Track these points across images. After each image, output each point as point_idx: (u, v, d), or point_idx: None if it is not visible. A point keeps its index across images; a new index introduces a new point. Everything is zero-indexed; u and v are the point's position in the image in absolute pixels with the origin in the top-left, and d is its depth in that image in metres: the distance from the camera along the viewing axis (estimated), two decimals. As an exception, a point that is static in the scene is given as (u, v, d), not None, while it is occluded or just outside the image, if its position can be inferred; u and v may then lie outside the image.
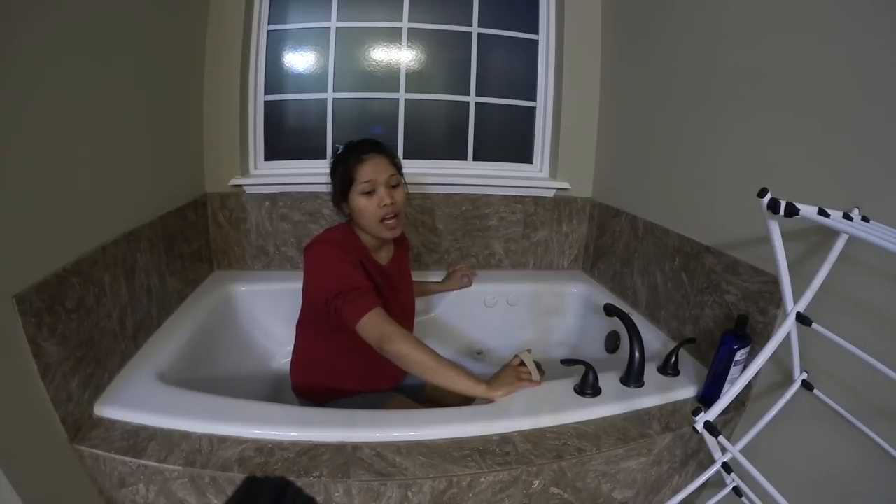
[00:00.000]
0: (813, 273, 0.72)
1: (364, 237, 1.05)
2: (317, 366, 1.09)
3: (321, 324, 1.04)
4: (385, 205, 0.98)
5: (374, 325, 0.90)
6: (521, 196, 1.63)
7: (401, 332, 0.91)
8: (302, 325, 1.12)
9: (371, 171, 0.98)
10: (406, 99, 1.59)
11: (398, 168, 1.04)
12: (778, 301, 0.88)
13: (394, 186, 1.01)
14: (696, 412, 0.62)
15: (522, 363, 0.99)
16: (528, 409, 0.91)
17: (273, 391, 1.35)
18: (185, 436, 0.82)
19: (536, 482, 0.83)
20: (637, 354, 0.98)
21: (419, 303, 1.38)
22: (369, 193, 0.98)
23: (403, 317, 1.12)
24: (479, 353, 1.60)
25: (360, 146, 1.01)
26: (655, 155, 1.31)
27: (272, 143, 1.58)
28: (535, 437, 0.86)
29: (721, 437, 0.60)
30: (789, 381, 0.83)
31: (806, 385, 0.81)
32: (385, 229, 1.00)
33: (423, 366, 0.89)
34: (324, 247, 0.98)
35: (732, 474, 0.81)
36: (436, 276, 1.57)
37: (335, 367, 1.07)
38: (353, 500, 0.78)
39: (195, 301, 1.33)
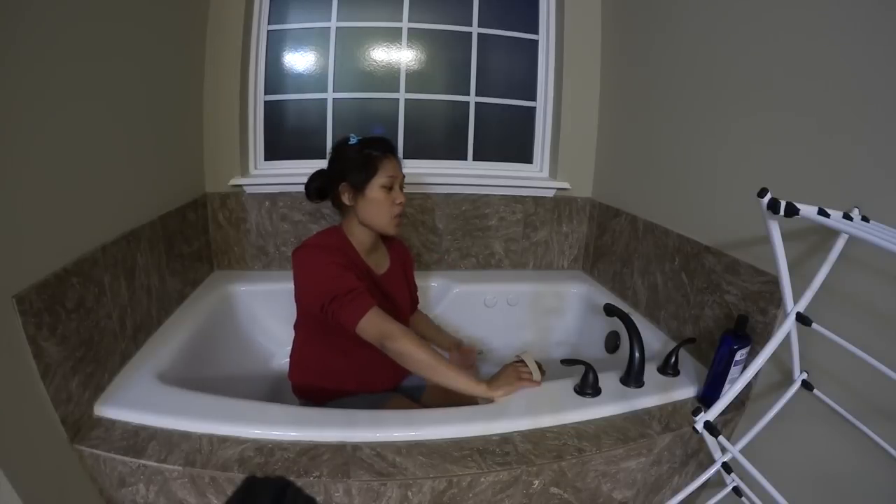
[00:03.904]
0: (813, 273, 0.72)
1: (356, 238, 1.06)
2: (314, 367, 1.09)
3: (315, 325, 1.05)
4: (399, 203, 1.04)
5: (373, 325, 0.90)
6: (521, 196, 1.63)
7: (402, 329, 0.91)
8: (298, 327, 1.12)
9: (393, 168, 1.04)
10: (406, 99, 1.59)
11: None
12: (778, 301, 0.88)
13: (402, 188, 1.07)
14: (696, 412, 0.62)
15: (523, 363, 0.99)
16: (528, 409, 0.91)
17: (273, 391, 1.35)
18: (185, 436, 0.82)
19: (536, 482, 0.83)
20: (637, 354, 0.98)
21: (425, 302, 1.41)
22: (388, 189, 1.03)
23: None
24: (479, 353, 1.60)
25: (386, 143, 1.06)
26: (655, 155, 1.31)
27: (272, 143, 1.58)
28: (535, 437, 0.86)
29: (721, 437, 0.60)
30: (789, 381, 0.83)
31: (806, 385, 0.81)
32: (393, 226, 1.05)
33: (424, 364, 0.89)
34: (312, 251, 0.99)
35: (732, 474, 0.81)
36: (436, 277, 1.58)
37: (332, 368, 1.08)
38: (353, 500, 0.78)
39: (195, 301, 1.33)
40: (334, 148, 1.09)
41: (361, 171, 1.02)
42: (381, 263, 1.14)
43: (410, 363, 0.90)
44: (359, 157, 1.02)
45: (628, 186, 1.45)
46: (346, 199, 1.04)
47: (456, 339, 1.35)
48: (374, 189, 1.01)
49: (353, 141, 1.05)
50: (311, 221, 1.54)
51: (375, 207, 1.02)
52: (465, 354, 1.30)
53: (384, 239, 1.16)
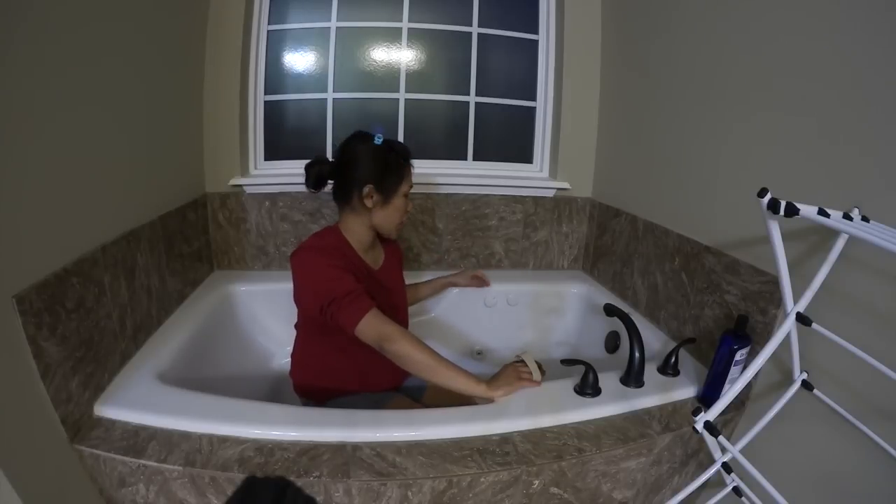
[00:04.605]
0: (813, 273, 0.72)
1: (355, 237, 1.06)
2: (315, 366, 1.10)
3: (316, 325, 1.05)
4: (408, 210, 1.08)
5: (372, 327, 0.90)
6: (521, 196, 1.63)
7: (400, 331, 0.91)
8: (299, 327, 1.12)
9: (412, 176, 1.07)
10: (406, 99, 1.59)
11: None
12: (778, 301, 0.88)
13: None
14: (696, 412, 0.62)
15: (523, 363, 0.99)
16: (528, 409, 0.91)
17: (273, 391, 1.35)
18: (185, 436, 0.82)
19: (536, 482, 0.83)
20: (637, 354, 0.98)
21: (424, 302, 1.43)
22: (406, 197, 1.06)
23: (396, 317, 1.12)
24: (478, 353, 1.60)
25: (407, 150, 1.07)
26: (655, 155, 1.31)
27: (272, 143, 1.58)
28: (535, 437, 0.86)
29: (721, 437, 0.60)
30: (789, 381, 0.83)
31: (806, 385, 0.81)
32: (397, 230, 1.10)
33: (423, 365, 0.89)
34: (310, 254, 0.98)
35: (732, 474, 0.81)
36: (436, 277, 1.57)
37: (333, 367, 1.08)
38: (353, 500, 0.78)
39: (195, 301, 1.33)
40: (357, 144, 1.03)
41: (393, 177, 1.02)
42: (377, 259, 1.15)
43: (409, 365, 0.90)
44: (390, 161, 1.01)
45: (628, 186, 1.45)
46: (368, 201, 1.01)
47: (446, 276, 1.46)
48: (398, 196, 1.04)
49: (378, 141, 1.02)
50: (310, 221, 1.54)
51: (392, 214, 1.05)
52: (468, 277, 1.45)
53: (379, 235, 1.16)
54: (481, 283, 1.49)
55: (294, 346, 1.14)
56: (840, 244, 0.71)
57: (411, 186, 1.07)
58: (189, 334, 1.16)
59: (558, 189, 1.63)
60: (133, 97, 1.04)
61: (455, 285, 1.48)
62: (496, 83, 1.64)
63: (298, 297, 1.02)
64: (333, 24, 1.52)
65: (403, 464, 0.79)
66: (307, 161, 1.07)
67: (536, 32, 1.62)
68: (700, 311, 1.11)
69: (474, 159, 1.68)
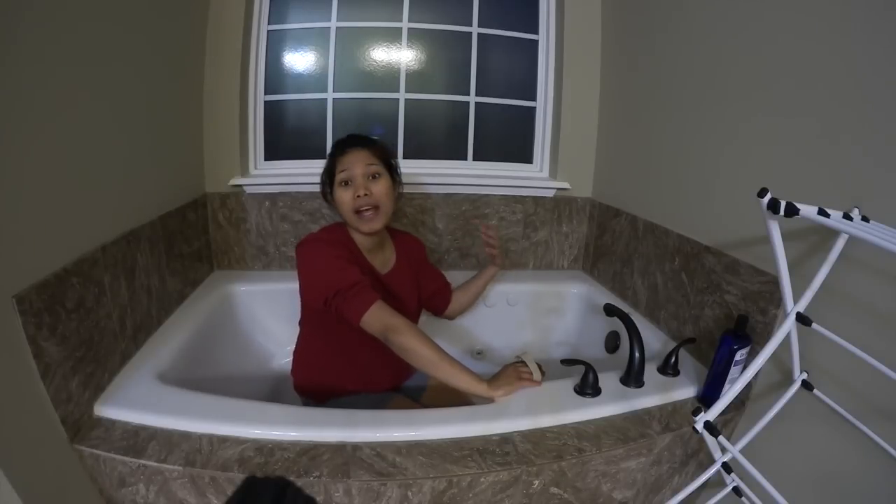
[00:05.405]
0: (813, 273, 0.72)
1: (357, 237, 1.06)
2: (315, 364, 1.10)
3: (318, 322, 1.05)
4: (359, 196, 0.99)
5: (377, 319, 0.90)
6: (521, 196, 1.63)
7: (406, 323, 0.91)
8: (301, 324, 1.12)
9: (349, 161, 1.01)
10: (406, 99, 1.59)
11: (385, 162, 1.05)
12: (778, 301, 0.88)
13: (373, 178, 1.02)
14: (696, 412, 0.62)
15: (524, 363, 0.99)
16: (528, 409, 0.91)
17: (273, 391, 1.35)
18: (185, 436, 0.82)
19: (536, 482, 0.83)
20: (637, 354, 0.98)
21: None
22: (346, 184, 1.01)
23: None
24: (479, 353, 1.60)
25: (346, 140, 1.06)
26: (655, 155, 1.31)
27: (272, 143, 1.58)
28: (535, 437, 0.86)
29: (721, 437, 0.60)
30: (789, 381, 0.83)
31: (806, 385, 0.81)
32: (361, 221, 1.01)
33: (427, 359, 0.89)
34: (315, 245, 0.98)
35: (732, 474, 0.81)
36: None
37: (333, 366, 1.08)
38: (353, 500, 0.78)
39: (195, 301, 1.33)
40: None
41: (326, 175, 1.05)
42: (386, 262, 1.13)
43: (414, 358, 0.90)
44: (326, 162, 1.06)
45: (628, 186, 1.45)
46: (330, 201, 1.07)
47: (483, 271, 1.37)
48: (336, 189, 1.02)
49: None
50: (310, 221, 1.54)
51: (341, 207, 1.03)
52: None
53: (392, 235, 1.16)
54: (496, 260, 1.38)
55: (297, 343, 1.14)
56: (840, 244, 0.71)
57: (349, 171, 1.00)
58: (189, 334, 1.16)
59: (558, 189, 1.63)
60: (133, 97, 1.04)
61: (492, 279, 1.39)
62: (496, 83, 1.64)
63: (303, 290, 1.02)
64: (333, 24, 1.52)
65: (403, 464, 0.79)
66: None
67: (536, 32, 1.61)
68: (700, 311, 1.11)
69: (474, 159, 1.68)
